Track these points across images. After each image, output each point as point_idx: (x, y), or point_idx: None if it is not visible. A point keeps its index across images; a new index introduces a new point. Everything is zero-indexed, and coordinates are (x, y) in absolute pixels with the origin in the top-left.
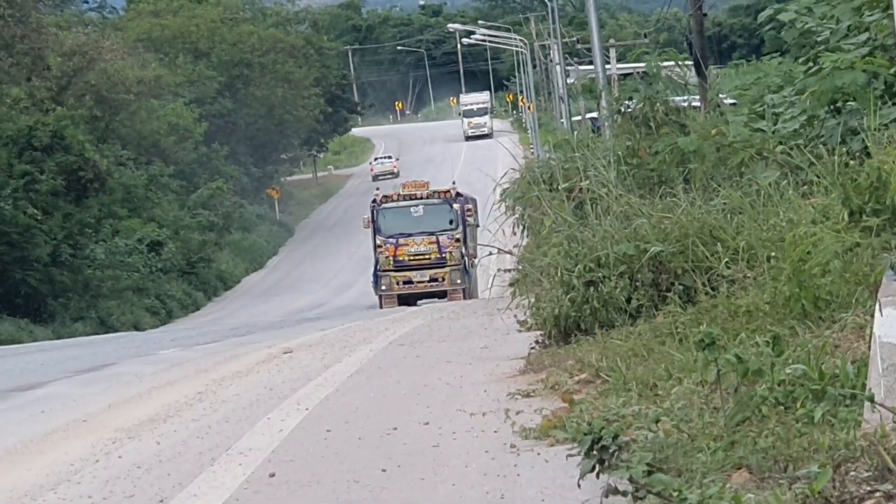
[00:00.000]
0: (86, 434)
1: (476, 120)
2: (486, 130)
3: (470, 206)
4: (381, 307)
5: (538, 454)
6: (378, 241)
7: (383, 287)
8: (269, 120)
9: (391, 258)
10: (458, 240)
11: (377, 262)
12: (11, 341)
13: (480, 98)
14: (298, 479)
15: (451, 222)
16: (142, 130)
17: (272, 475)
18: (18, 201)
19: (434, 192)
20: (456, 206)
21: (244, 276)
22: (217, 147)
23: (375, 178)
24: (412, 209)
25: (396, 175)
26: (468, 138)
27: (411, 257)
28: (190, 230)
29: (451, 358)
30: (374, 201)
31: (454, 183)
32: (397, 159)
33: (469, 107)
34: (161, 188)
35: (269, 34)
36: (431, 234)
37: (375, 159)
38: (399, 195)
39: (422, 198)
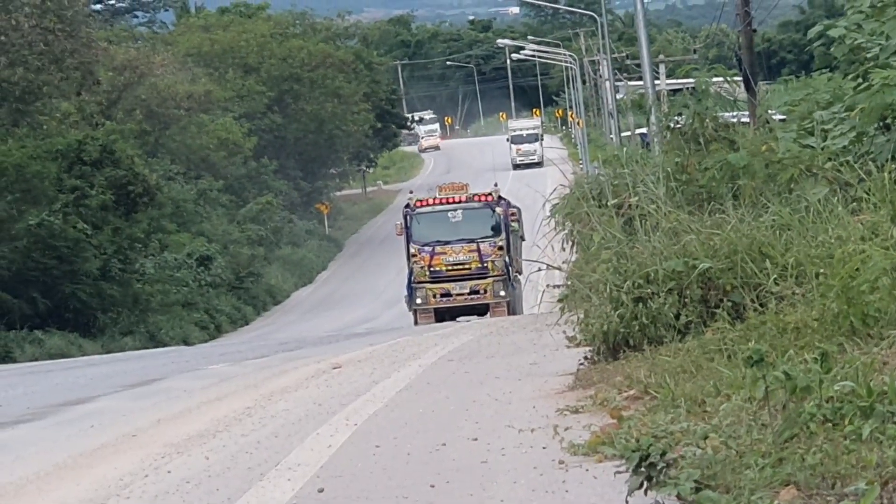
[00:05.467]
0: (135, 449)
1: (525, 147)
2: (535, 159)
3: (514, 210)
4: (415, 323)
5: (586, 470)
6: (412, 250)
7: (418, 301)
8: (319, 135)
9: (427, 268)
10: (500, 248)
11: (411, 272)
12: (61, 355)
13: (530, 123)
14: (347, 494)
15: (493, 228)
16: (191, 145)
17: (321, 490)
18: (68, 216)
19: (474, 195)
20: (499, 210)
21: (293, 290)
22: (266, 162)
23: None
24: (450, 214)
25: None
26: (516, 167)
27: (449, 267)
28: (239, 245)
29: (500, 374)
30: (407, 206)
31: (496, 185)
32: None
33: (518, 132)
34: (210, 203)
35: (318, 49)
36: (471, 241)
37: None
38: (435, 199)
39: (460, 201)
